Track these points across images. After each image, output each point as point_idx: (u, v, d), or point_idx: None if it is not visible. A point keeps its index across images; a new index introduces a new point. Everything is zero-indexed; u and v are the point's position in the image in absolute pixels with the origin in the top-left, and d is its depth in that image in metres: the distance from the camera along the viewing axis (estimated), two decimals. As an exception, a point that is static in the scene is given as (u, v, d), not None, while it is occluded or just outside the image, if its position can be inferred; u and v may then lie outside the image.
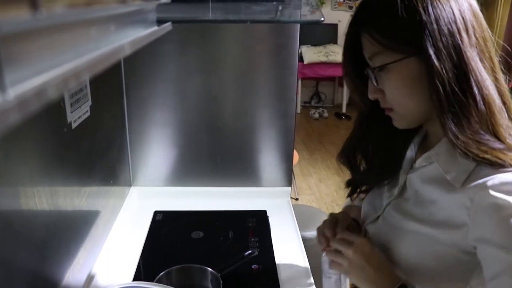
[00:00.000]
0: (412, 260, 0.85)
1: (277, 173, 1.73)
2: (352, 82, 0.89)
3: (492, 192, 0.71)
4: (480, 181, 0.73)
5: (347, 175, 1.04)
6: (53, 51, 0.33)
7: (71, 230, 1.11)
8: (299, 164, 4.38)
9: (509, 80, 0.82)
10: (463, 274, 0.79)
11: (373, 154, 0.96)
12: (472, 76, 0.73)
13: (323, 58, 5.82)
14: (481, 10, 0.79)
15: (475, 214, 0.73)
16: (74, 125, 1.09)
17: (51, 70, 0.31)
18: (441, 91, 0.73)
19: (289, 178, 1.75)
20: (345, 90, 6.23)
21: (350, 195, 1.06)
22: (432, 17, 0.73)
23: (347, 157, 0.99)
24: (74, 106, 1.09)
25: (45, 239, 0.97)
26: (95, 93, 1.22)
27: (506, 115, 0.78)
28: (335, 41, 6.19)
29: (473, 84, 0.73)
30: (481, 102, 0.74)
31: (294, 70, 1.58)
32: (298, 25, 1.53)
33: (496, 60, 0.79)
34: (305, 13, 1.17)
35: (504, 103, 0.78)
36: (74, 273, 1.10)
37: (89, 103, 1.19)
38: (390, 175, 0.95)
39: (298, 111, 6.19)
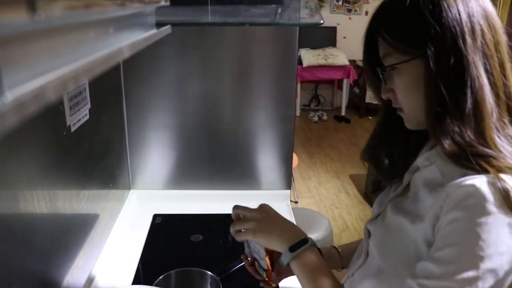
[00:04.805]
0: (390, 253, 0.86)
1: (276, 176, 1.73)
2: (371, 82, 0.91)
3: (466, 183, 0.71)
4: (462, 178, 0.73)
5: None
6: (52, 54, 0.33)
7: (70, 234, 1.11)
8: (299, 167, 4.38)
9: None
10: None
11: (394, 152, 0.98)
12: (468, 80, 0.73)
13: (322, 61, 5.83)
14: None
15: (445, 205, 0.73)
16: (73, 128, 1.09)
17: (49, 73, 0.31)
18: (433, 93, 0.75)
19: (288, 181, 1.75)
20: (344, 93, 6.23)
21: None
22: (436, 19, 0.73)
23: (370, 154, 1.00)
24: (73, 109, 1.08)
25: (44, 242, 0.96)
26: (94, 96, 1.22)
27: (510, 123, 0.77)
28: (334, 44, 6.21)
29: (468, 88, 0.73)
30: (472, 107, 0.74)
31: (293, 73, 1.58)
32: (297, 28, 1.53)
33: (509, 65, 0.78)
34: (304, 16, 1.16)
35: None
36: (73, 276, 1.09)
37: (88, 106, 1.19)
38: (403, 174, 0.95)
39: (297, 114, 6.20)
